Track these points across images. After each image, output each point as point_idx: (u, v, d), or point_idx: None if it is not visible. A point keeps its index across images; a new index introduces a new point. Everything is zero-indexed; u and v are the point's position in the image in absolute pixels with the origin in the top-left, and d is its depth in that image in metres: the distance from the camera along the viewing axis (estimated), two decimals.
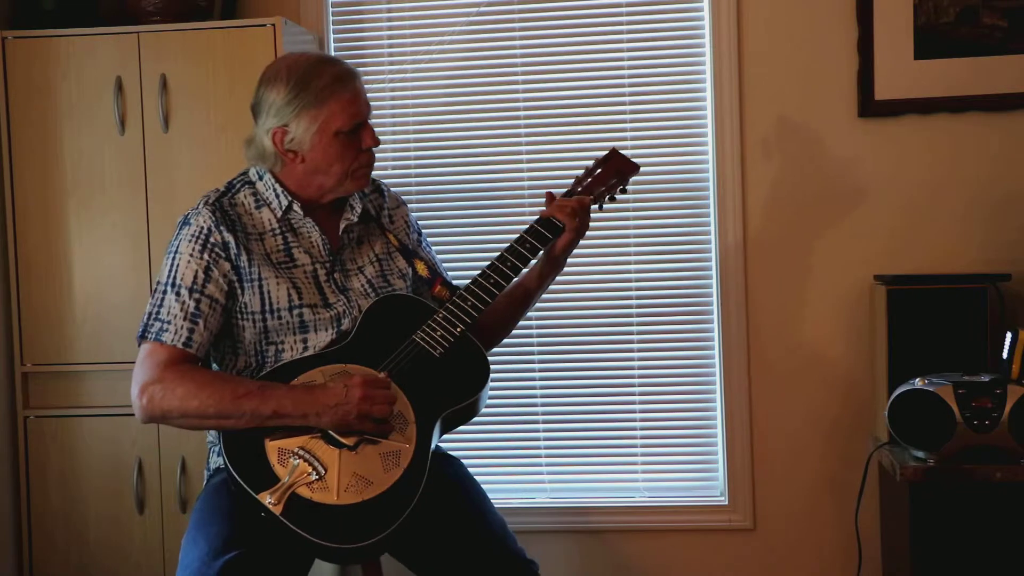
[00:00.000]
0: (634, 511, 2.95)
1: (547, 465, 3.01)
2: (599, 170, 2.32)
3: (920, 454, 2.36)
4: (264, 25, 2.68)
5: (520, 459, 3.02)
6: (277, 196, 2.14)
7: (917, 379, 2.37)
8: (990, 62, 2.75)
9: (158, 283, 2.07)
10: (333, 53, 2.99)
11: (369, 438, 1.96)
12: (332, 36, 3.01)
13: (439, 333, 2.08)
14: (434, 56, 2.97)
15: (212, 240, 2.06)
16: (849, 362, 2.86)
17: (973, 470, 2.30)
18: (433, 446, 2.02)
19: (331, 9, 3.00)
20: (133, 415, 2.69)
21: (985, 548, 2.35)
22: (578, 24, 2.94)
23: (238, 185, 2.17)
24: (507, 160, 2.97)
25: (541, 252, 2.20)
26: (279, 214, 2.14)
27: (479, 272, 2.15)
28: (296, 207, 2.13)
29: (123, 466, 2.75)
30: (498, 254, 2.17)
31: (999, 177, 2.79)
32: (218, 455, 2.15)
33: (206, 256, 2.05)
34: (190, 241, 2.06)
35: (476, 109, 2.98)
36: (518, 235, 2.19)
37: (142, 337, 2.05)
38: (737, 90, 2.85)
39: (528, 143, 2.96)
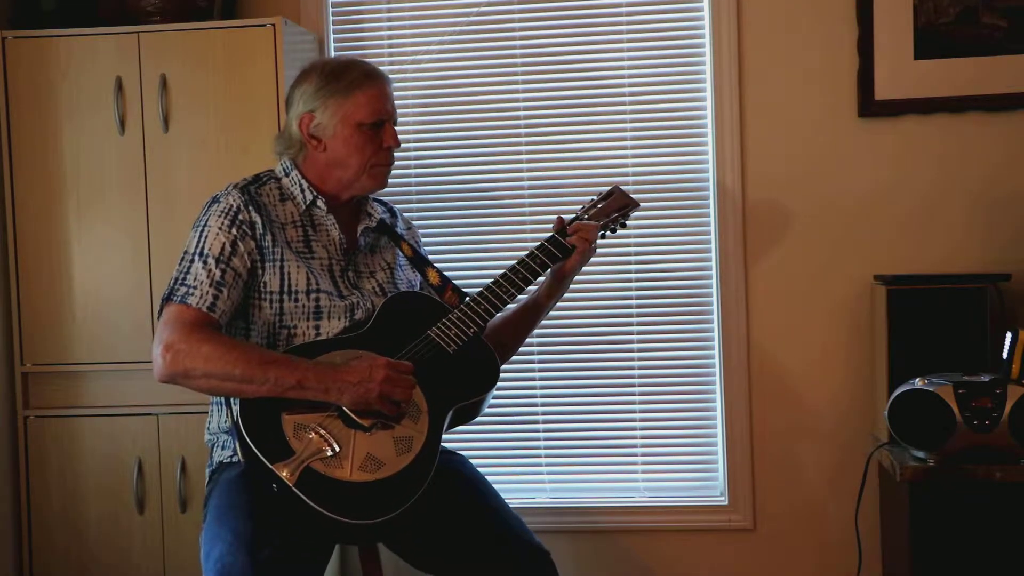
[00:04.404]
0: (634, 511, 2.95)
1: (547, 465, 3.01)
2: (602, 203, 2.43)
3: (920, 454, 2.36)
4: (264, 25, 2.68)
5: (520, 459, 3.02)
6: (303, 191, 2.22)
7: (917, 379, 2.37)
8: (990, 62, 2.75)
9: (185, 253, 2.12)
10: (333, 54, 2.99)
11: (383, 422, 2.01)
12: (332, 36, 3.01)
13: (453, 332, 2.15)
14: (434, 56, 2.97)
15: (240, 218, 2.12)
16: (849, 362, 2.86)
17: (973, 470, 2.30)
18: (442, 437, 2.06)
19: (331, 9, 3.00)
20: (133, 415, 2.74)
21: (985, 548, 2.35)
22: (578, 24, 2.94)
23: (265, 178, 2.24)
24: (507, 160, 2.97)
25: (549, 270, 2.29)
26: (302, 208, 2.21)
27: (491, 280, 2.23)
28: (320, 203, 2.21)
29: (123, 466, 2.75)
30: (510, 266, 2.26)
31: (999, 177, 2.79)
32: (223, 448, 2.18)
33: (234, 231, 2.11)
34: (219, 216, 2.12)
35: (476, 109, 2.98)
36: (528, 251, 2.28)
37: (167, 299, 2.08)
38: (737, 90, 2.85)
39: (528, 143, 2.96)
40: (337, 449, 1.95)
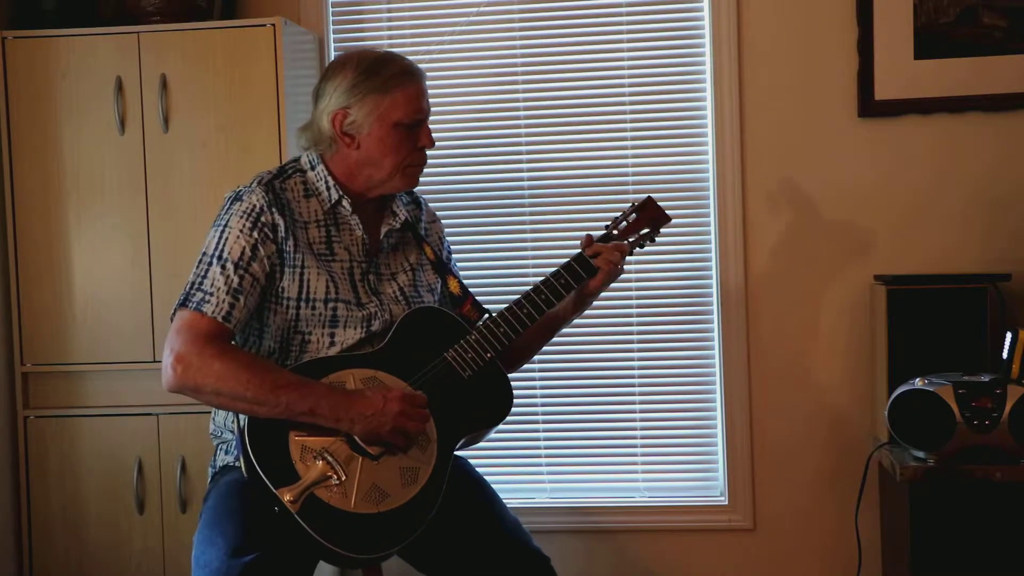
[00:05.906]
0: (634, 511, 2.95)
1: (547, 465, 3.01)
2: (634, 215, 2.31)
3: (920, 454, 2.36)
4: (264, 25, 2.68)
5: (520, 459, 3.02)
6: (328, 188, 2.14)
7: (917, 379, 2.37)
8: (990, 62, 2.75)
9: (203, 254, 2.05)
10: (333, 53, 2.99)
11: (392, 450, 1.98)
12: (332, 36, 3.01)
13: (470, 355, 2.12)
14: (434, 56, 2.97)
15: (263, 220, 2.05)
16: (849, 362, 2.86)
17: (973, 470, 2.30)
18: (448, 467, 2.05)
19: (331, 9, 3.00)
20: (133, 415, 2.74)
21: (985, 548, 2.35)
22: (578, 24, 2.94)
23: (290, 171, 2.17)
24: (507, 160, 2.97)
25: (574, 290, 2.23)
26: (327, 206, 2.15)
27: (514, 301, 2.18)
28: (345, 203, 2.14)
29: (123, 466, 2.75)
30: (533, 286, 2.20)
31: (999, 177, 2.79)
32: (227, 453, 2.15)
33: (255, 234, 2.04)
34: (241, 217, 2.05)
35: (476, 109, 2.98)
36: (554, 269, 2.22)
37: (183, 305, 2.02)
38: (737, 90, 2.85)
39: (528, 143, 2.96)
40: (343, 478, 1.92)
